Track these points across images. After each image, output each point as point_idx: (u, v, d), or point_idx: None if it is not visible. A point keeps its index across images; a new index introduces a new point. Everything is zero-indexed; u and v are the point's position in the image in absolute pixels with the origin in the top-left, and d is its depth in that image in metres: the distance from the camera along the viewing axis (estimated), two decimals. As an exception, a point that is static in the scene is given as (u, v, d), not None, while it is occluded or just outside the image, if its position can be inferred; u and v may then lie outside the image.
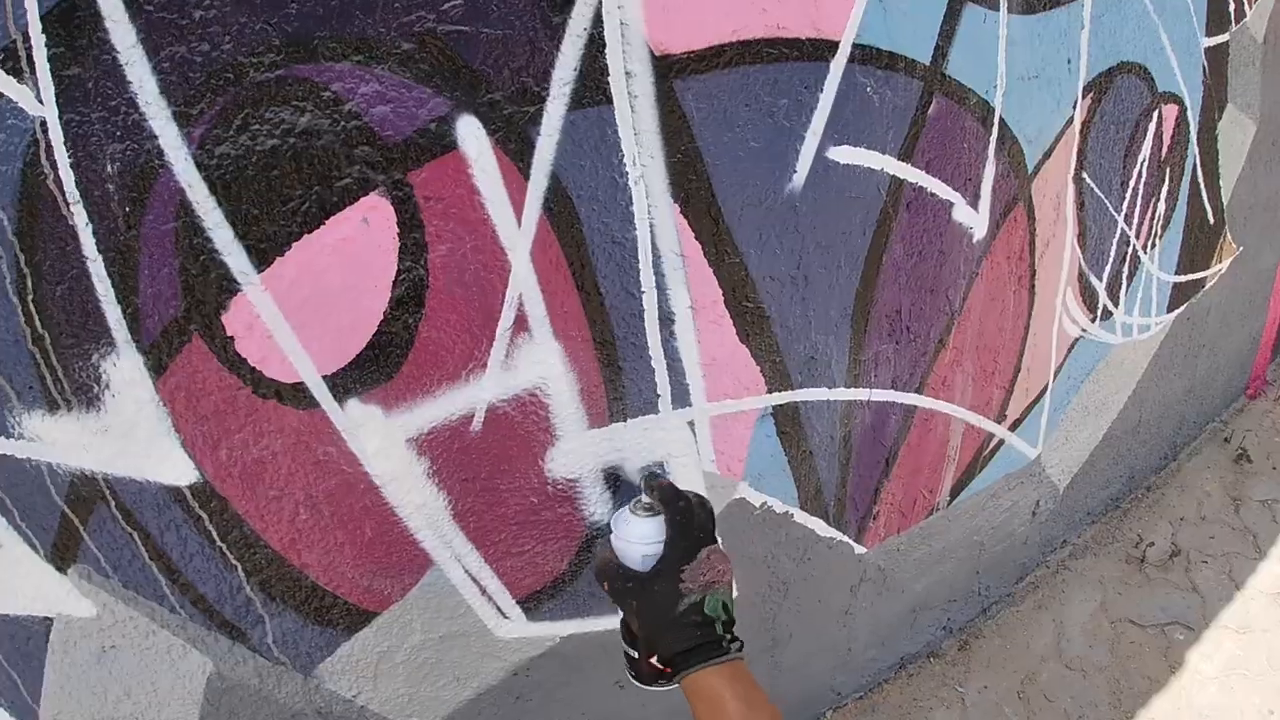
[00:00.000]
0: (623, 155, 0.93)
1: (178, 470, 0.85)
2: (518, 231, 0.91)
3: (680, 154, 0.96)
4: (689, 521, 0.88)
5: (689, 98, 0.94)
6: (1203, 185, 2.11)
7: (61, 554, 0.85)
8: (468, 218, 0.88)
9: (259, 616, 0.97)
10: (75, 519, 0.84)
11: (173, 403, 0.82)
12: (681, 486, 0.94)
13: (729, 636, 0.83)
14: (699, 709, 0.80)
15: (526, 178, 0.89)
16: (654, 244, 0.99)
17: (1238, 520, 2.39)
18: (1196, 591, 2.15)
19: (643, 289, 1.01)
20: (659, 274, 1.01)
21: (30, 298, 0.73)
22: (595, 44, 0.86)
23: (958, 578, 1.90)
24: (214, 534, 0.90)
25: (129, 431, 0.82)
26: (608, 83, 0.88)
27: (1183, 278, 2.19)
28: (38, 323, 0.74)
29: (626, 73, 0.89)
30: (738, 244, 1.06)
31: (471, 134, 0.84)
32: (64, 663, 0.91)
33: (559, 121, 0.88)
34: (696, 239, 1.02)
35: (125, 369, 0.79)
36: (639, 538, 0.89)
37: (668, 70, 0.91)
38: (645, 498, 0.92)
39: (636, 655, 0.89)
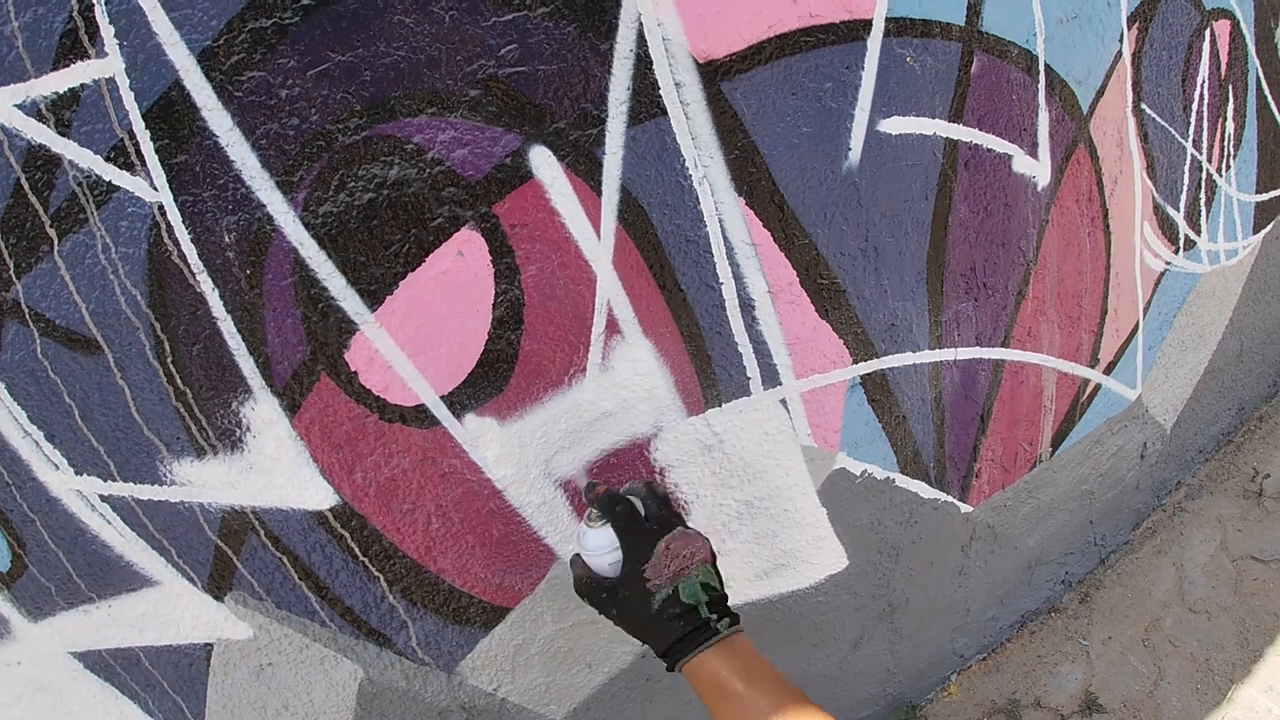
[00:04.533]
0: (684, 160, 0.93)
1: (319, 496, 0.89)
2: (598, 244, 0.93)
3: (738, 150, 0.96)
4: (634, 522, 0.84)
5: (738, 96, 0.94)
6: (1270, 98, 1.94)
7: (218, 584, 0.90)
8: (551, 238, 0.90)
9: (402, 622, 1.00)
10: (229, 550, 0.88)
11: (309, 436, 0.86)
12: (621, 489, 0.90)
13: (717, 615, 0.77)
14: (702, 694, 0.75)
15: (599, 194, 0.91)
16: (725, 237, 0.99)
17: (1356, 443, 2.15)
18: (1319, 521, 1.94)
19: (720, 280, 1.01)
20: (734, 264, 1.01)
21: (169, 360, 0.78)
22: (643, 62, 0.87)
23: (1071, 529, 1.79)
24: (356, 550, 0.94)
25: (271, 466, 0.86)
26: (660, 96, 0.89)
27: (1264, 196, 2.01)
28: (179, 381, 0.79)
29: (676, 83, 0.90)
30: (805, 226, 1.04)
31: (544, 162, 0.87)
32: (225, 683, 0.95)
33: (620, 138, 0.89)
34: (765, 227, 1.01)
35: (263, 411, 0.83)
36: (598, 547, 0.85)
37: (714, 75, 0.91)
38: (592, 509, 0.88)
39: None
